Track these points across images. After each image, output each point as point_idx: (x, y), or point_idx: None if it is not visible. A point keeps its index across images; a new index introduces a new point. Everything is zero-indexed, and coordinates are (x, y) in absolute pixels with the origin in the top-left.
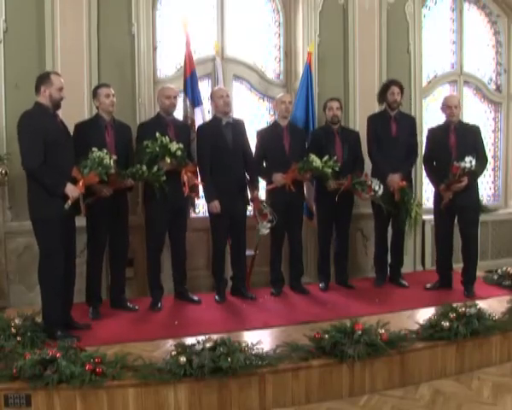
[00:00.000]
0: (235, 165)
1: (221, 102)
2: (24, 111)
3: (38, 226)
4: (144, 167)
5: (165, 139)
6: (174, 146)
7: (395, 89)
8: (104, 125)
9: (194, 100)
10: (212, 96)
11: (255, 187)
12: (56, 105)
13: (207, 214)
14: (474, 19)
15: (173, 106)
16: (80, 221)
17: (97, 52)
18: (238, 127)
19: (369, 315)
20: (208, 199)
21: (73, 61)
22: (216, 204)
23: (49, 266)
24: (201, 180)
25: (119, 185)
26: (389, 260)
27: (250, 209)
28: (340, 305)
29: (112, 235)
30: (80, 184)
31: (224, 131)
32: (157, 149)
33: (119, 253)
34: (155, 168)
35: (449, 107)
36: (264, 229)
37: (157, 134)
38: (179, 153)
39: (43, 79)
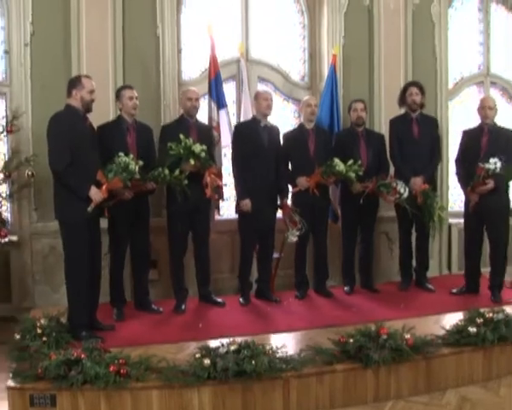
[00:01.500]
0: (268, 168)
1: (265, 104)
2: (54, 113)
3: (64, 228)
4: (166, 171)
5: (189, 141)
6: (198, 148)
7: (413, 89)
8: (126, 127)
9: (219, 102)
10: (257, 97)
11: (285, 194)
12: (87, 108)
13: (232, 216)
14: (502, 19)
15: (195, 108)
16: (102, 223)
17: (122, 54)
18: (273, 132)
19: (394, 320)
20: (240, 197)
21: (99, 62)
22: (247, 202)
23: (74, 268)
24: (234, 177)
25: (141, 189)
26: (414, 264)
27: (279, 214)
28: (365, 309)
29: (133, 237)
30: (103, 188)
31: (262, 133)
32: (181, 150)
33: (140, 255)
34: (177, 172)
35: (483, 108)
36: (293, 236)
37: (181, 136)
38: (203, 155)
39: (75, 82)
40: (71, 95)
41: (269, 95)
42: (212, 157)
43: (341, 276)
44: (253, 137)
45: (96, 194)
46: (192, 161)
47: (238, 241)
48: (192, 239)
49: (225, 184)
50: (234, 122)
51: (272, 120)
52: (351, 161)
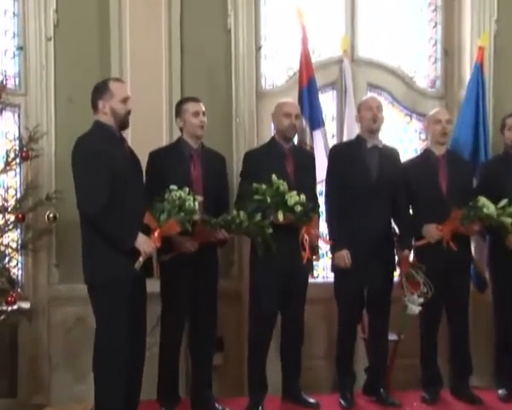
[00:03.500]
0: (377, 206)
1: (369, 115)
2: (80, 135)
3: (97, 293)
4: (243, 215)
5: (283, 186)
6: (293, 198)
7: None
8: (189, 153)
9: (313, 119)
10: (360, 108)
11: (406, 243)
12: (122, 123)
13: (329, 279)
14: None
15: (293, 128)
16: (151, 286)
17: (180, 56)
18: (388, 156)
19: None
20: (334, 247)
21: (147, 66)
22: (344, 254)
23: (108, 348)
24: (326, 220)
25: (208, 238)
26: None
27: (396, 275)
28: None
29: (194, 307)
30: (156, 235)
31: (369, 157)
32: (268, 199)
33: (203, 333)
34: (259, 216)
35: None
36: (415, 305)
37: (273, 178)
38: (298, 208)
39: (100, 90)
40: (97, 108)
41: (375, 102)
42: (314, 206)
43: (493, 372)
44: (355, 162)
45: (145, 243)
46: (281, 216)
47: (336, 312)
48: (281, 312)
49: (323, 233)
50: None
51: (387, 140)
52: (504, 201)
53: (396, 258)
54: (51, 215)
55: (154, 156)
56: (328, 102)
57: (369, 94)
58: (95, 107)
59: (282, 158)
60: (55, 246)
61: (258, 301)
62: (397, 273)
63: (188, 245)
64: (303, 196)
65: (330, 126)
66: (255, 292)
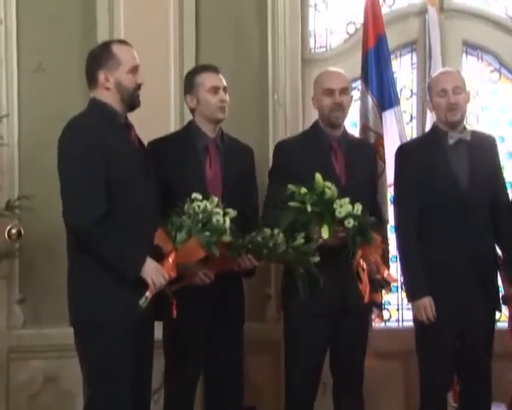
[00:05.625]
0: (471, 224)
1: (442, 103)
2: (72, 118)
3: (87, 340)
4: (280, 236)
5: (331, 189)
6: (344, 208)
7: None
8: (204, 145)
9: (383, 95)
10: (430, 91)
11: None
12: (131, 102)
13: (406, 324)
14: None
15: (340, 108)
16: (161, 332)
17: (194, 10)
18: (483, 150)
19: None
20: (412, 293)
21: (149, 24)
22: (427, 303)
23: None
24: (399, 249)
25: (229, 266)
26: None
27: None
28: None
29: (212, 361)
30: (170, 260)
31: (453, 156)
32: (308, 206)
33: (226, 398)
34: (301, 238)
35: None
36: None
37: (317, 176)
38: (350, 223)
39: (100, 56)
40: (96, 82)
41: (450, 81)
42: (378, 220)
43: None
44: (432, 167)
45: (155, 272)
46: (326, 233)
47: (417, 371)
48: (330, 364)
49: (394, 258)
50: (412, 132)
51: (489, 128)
52: None
53: (501, 293)
54: (14, 231)
55: (154, 148)
56: (405, 69)
57: (466, 58)
58: (92, 80)
59: (327, 152)
60: (18, 274)
61: (296, 341)
62: (505, 316)
63: (201, 275)
64: (359, 206)
65: (407, 105)
66: (293, 332)
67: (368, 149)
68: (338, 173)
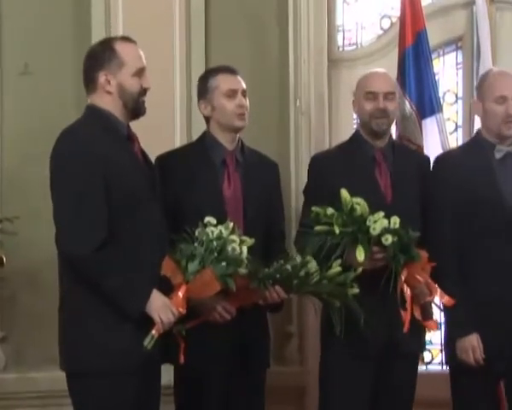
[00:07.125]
0: None
1: (499, 111)
2: (66, 129)
3: (83, 387)
4: (313, 263)
5: (361, 204)
6: (379, 223)
7: None
8: (221, 159)
9: (423, 101)
10: (480, 87)
11: None
12: (136, 109)
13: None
14: None
15: (384, 115)
16: (167, 376)
17: (204, 5)
18: None
19: None
20: (455, 329)
21: (151, 19)
22: (473, 341)
23: None
24: (438, 277)
25: (252, 300)
26: None
27: None
28: None
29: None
30: (180, 294)
31: (500, 172)
32: (338, 226)
33: None
34: (336, 266)
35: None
36: None
37: (342, 192)
38: (389, 240)
39: (101, 56)
40: (95, 85)
41: (503, 79)
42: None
43: None
44: (477, 183)
45: (162, 308)
46: (361, 255)
47: None
48: None
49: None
50: (457, 143)
51: None
52: None
53: None
54: None
55: (163, 163)
56: (448, 70)
57: None
58: (90, 82)
59: (370, 166)
60: None
61: (335, 385)
62: None
63: (219, 310)
64: (396, 219)
65: (451, 112)
66: (328, 388)
67: (420, 159)
68: (383, 190)
